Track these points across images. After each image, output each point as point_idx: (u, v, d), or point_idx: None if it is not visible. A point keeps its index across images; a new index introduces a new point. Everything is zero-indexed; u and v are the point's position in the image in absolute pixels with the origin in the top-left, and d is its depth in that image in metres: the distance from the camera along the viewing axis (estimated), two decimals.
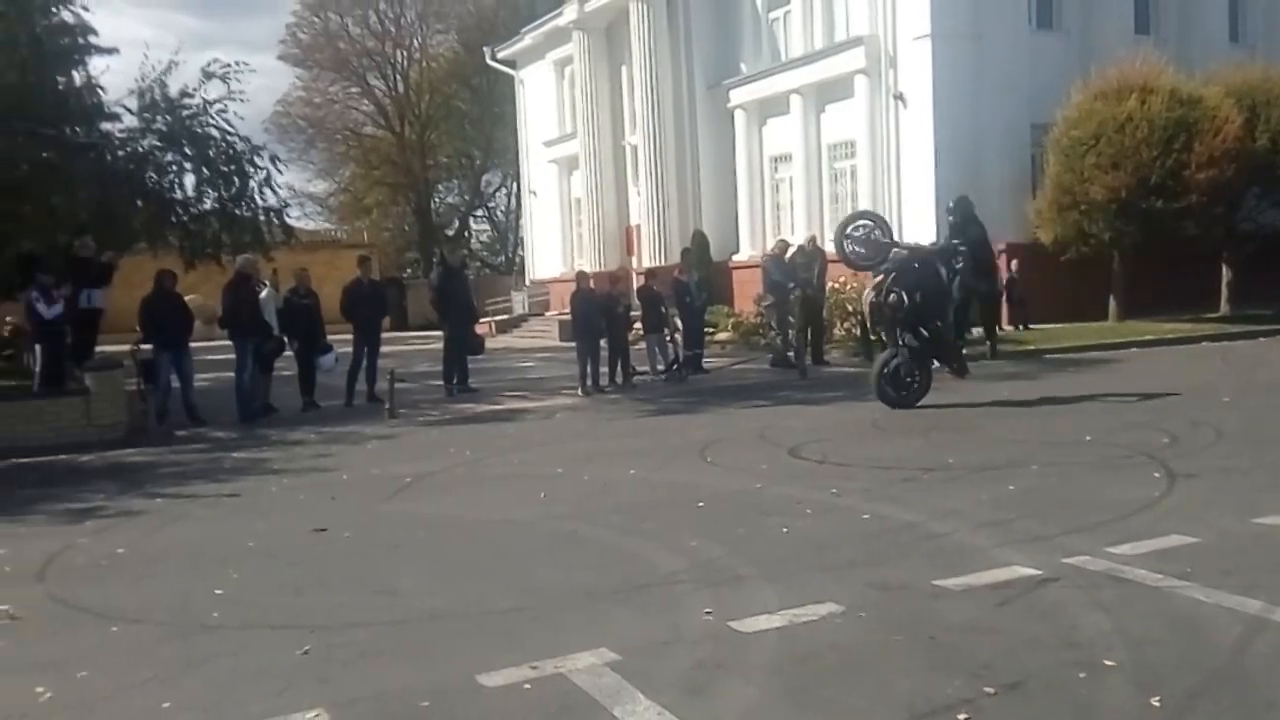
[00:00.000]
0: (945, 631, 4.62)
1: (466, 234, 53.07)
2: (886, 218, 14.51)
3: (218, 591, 5.81)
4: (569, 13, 29.95)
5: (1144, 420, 10.17)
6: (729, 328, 22.00)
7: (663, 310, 16.48)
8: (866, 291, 12.15)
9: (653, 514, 7.30)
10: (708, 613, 5.04)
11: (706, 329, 18.91)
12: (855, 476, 8.19)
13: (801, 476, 8.35)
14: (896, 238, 12.42)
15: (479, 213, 55.23)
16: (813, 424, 11.22)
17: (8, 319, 23.90)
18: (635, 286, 19.76)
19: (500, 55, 35.47)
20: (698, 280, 17.73)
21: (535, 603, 5.40)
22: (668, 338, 16.48)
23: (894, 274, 11.49)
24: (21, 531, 7.73)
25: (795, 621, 4.87)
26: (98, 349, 14.45)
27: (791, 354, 16.59)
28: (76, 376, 13.31)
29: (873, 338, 13.19)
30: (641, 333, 16.73)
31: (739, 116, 26.59)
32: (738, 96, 26.47)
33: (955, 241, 12.71)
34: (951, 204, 14.50)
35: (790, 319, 16.72)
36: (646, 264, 25.80)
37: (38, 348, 14.17)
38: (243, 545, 6.96)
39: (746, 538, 6.48)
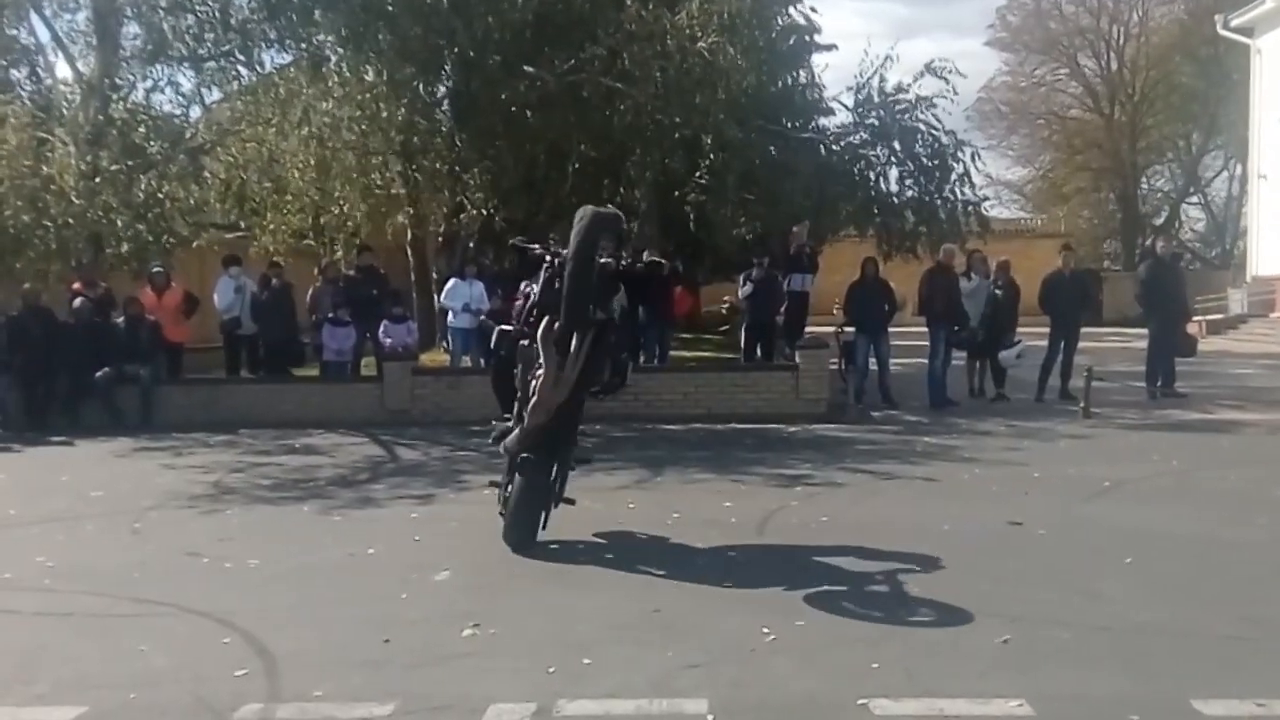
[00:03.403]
0: None
1: (1177, 223, 48.64)
2: None
3: (915, 567, 6.02)
4: None
5: None
6: None
7: None
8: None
9: None
10: None
11: None
12: None
13: None
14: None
15: (1193, 199, 50.35)
16: None
17: (725, 298, 26.98)
18: None
19: (1234, 23, 31.81)
20: None
21: (1261, 635, 4.85)
22: None
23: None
24: (743, 489, 8.68)
25: None
26: (807, 330, 15.76)
27: None
28: (787, 354, 14.62)
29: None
30: None
31: None
32: None
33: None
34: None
35: None
36: None
37: (744, 324, 15.99)
38: (938, 528, 7.12)
39: None
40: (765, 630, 4.93)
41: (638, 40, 15.38)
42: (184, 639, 5.04)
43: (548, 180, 17.49)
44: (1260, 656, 4.57)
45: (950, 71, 18.90)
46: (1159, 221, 47.57)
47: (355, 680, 4.45)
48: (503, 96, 15.94)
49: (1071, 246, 17.22)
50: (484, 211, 17.87)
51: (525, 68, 15.70)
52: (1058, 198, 50.22)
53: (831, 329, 15.30)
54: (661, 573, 6.05)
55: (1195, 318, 23.57)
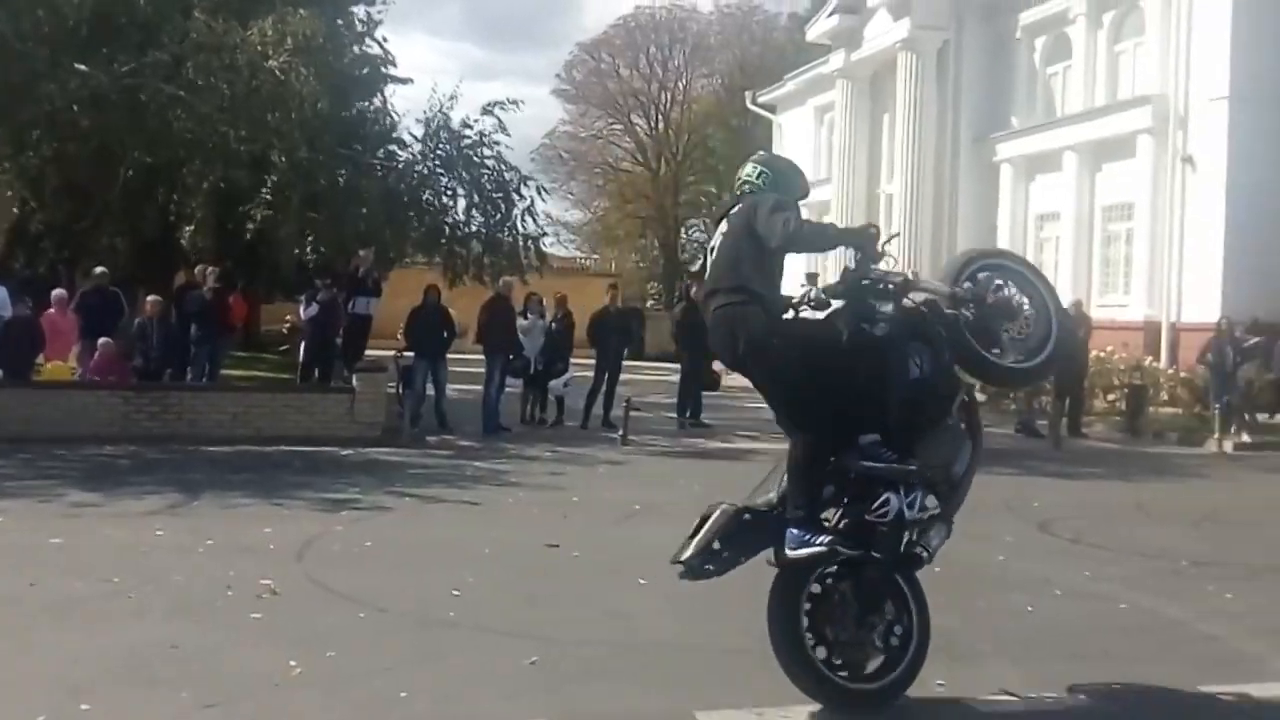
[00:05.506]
0: None
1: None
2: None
3: (455, 592, 6.03)
4: (834, 61, 30.05)
5: None
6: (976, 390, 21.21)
7: None
8: None
9: None
10: (940, 684, 4.81)
11: None
12: (1113, 561, 7.64)
13: (1051, 554, 7.88)
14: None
15: None
16: (1066, 499, 10.55)
17: (288, 317, 26.00)
18: None
19: (761, 99, 35.95)
20: None
21: (760, 647, 5.27)
22: None
23: None
24: (285, 514, 8.30)
25: (1037, 709, 4.62)
26: (367, 353, 15.49)
27: (1042, 422, 15.81)
28: (345, 377, 14.27)
29: None
30: None
31: (1005, 171, 25.74)
32: (1006, 150, 25.63)
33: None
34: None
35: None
36: None
37: (303, 344, 15.55)
38: (479, 551, 7.20)
39: (986, 612, 6.15)
40: (293, 664, 4.68)
41: (205, 50, 14.56)
42: None
43: (94, 183, 15.95)
44: (759, 668, 4.92)
45: (504, 109, 19.59)
46: (694, 268, 52.20)
47: None
48: (49, 90, 14.35)
49: (618, 285, 18.39)
50: (17, 211, 15.94)
51: (77, 65, 14.24)
52: (610, 241, 53.72)
53: (391, 353, 15.15)
54: (183, 606, 5.58)
55: None
